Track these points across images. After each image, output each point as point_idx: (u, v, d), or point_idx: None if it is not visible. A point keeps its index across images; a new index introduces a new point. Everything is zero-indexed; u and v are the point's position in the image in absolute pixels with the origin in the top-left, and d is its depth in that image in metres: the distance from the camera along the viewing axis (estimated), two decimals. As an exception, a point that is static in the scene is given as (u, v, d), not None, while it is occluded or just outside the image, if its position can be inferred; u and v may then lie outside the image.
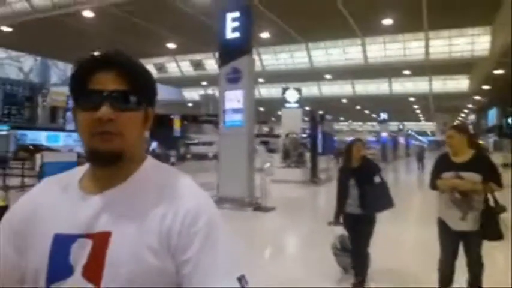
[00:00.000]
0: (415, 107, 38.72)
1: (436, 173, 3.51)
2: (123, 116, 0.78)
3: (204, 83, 30.78)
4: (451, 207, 3.37)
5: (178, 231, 0.77)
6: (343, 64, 22.94)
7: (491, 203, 3.28)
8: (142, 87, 0.82)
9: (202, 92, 35.05)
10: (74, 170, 0.91)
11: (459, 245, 3.40)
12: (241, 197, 8.90)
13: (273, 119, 46.62)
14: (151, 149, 30.84)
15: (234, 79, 9.30)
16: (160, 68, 27.10)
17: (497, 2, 14.65)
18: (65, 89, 32.55)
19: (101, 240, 0.77)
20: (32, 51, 27.64)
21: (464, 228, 3.29)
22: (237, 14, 9.50)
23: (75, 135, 30.13)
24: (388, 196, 3.94)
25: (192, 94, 37.04)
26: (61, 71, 32.41)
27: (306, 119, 19.33)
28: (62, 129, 30.66)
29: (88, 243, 0.77)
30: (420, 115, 47.36)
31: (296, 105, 15.90)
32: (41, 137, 28.43)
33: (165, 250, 0.76)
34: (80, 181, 0.86)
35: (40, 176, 9.41)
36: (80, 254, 0.77)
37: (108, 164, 0.81)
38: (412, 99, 32.49)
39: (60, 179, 0.90)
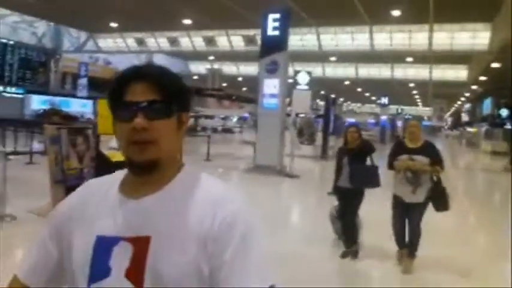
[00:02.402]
0: (414, 92, 39.96)
1: (393, 156, 4.24)
2: (156, 124, 0.82)
3: (211, 58, 31.64)
4: (405, 183, 4.11)
5: (215, 236, 0.79)
6: (350, 49, 24.10)
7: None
8: (173, 95, 0.85)
9: (208, 66, 35.94)
10: (116, 173, 0.94)
11: (407, 214, 4.23)
12: (274, 165, 11.00)
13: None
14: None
15: (272, 70, 11.23)
16: (173, 41, 27.99)
17: (498, 2, 15.81)
18: (77, 56, 33.29)
19: (141, 245, 0.80)
20: (45, 17, 28.17)
21: (413, 200, 4.09)
22: (277, 16, 11.29)
23: (84, 101, 31.29)
24: (375, 177, 4.44)
25: (198, 68, 37.86)
26: (74, 38, 32.99)
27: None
28: (73, 95, 31.68)
29: (128, 247, 0.81)
30: (418, 100, 48.62)
31: (306, 87, 17.13)
32: (54, 102, 29.51)
33: (202, 255, 0.79)
34: (121, 185, 0.89)
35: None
36: (120, 256, 0.81)
37: (144, 172, 0.85)
38: (412, 85, 33.74)
39: (103, 182, 0.94)
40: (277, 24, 11.20)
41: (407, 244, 4.29)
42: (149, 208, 0.83)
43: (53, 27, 31.63)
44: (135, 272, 0.79)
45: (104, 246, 0.82)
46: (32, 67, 29.95)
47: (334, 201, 5.10)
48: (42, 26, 31.47)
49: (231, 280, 0.77)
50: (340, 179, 4.62)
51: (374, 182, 4.44)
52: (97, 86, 31.57)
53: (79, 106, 31.19)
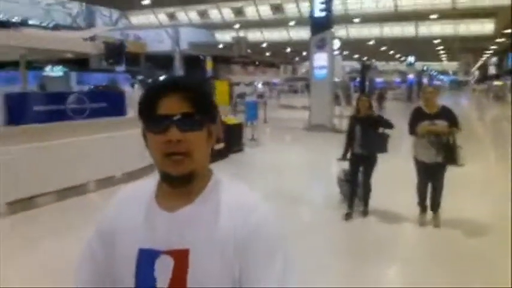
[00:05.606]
0: (439, 48, 39.85)
1: (414, 122, 4.46)
2: (189, 136, 0.84)
3: (236, 26, 32.41)
4: (428, 147, 4.37)
5: (243, 243, 0.84)
6: (374, 11, 24.82)
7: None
8: (204, 107, 0.88)
9: (234, 34, 36.60)
10: (146, 182, 0.97)
11: (431, 175, 4.54)
12: (325, 124, 13.32)
13: (296, 59, 48.04)
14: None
15: (321, 46, 13.33)
16: (203, 14, 29.16)
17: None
18: (109, 34, 34.66)
19: (180, 257, 0.85)
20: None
21: (438, 160, 4.38)
22: (323, -1, 13.03)
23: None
24: (384, 144, 4.71)
25: (224, 37, 38.59)
26: (105, 16, 34.48)
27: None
28: (111, 71, 33.43)
29: (169, 260, 0.85)
30: (443, 56, 48.21)
31: (337, 52, 18.12)
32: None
33: (235, 262, 0.84)
34: (157, 197, 0.92)
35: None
36: (163, 269, 0.85)
37: (180, 185, 0.88)
38: (436, 41, 33.87)
39: (138, 190, 0.97)
40: (323, 6, 13.17)
41: (431, 202, 4.62)
42: (184, 221, 0.87)
43: (85, 7, 33.07)
44: (178, 283, 0.84)
45: (146, 259, 0.87)
46: (70, 47, 31.57)
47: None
48: (75, 7, 32.93)
49: (252, 284, 0.83)
50: (354, 145, 4.86)
51: (382, 148, 4.75)
52: (129, 60, 33.07)
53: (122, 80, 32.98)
